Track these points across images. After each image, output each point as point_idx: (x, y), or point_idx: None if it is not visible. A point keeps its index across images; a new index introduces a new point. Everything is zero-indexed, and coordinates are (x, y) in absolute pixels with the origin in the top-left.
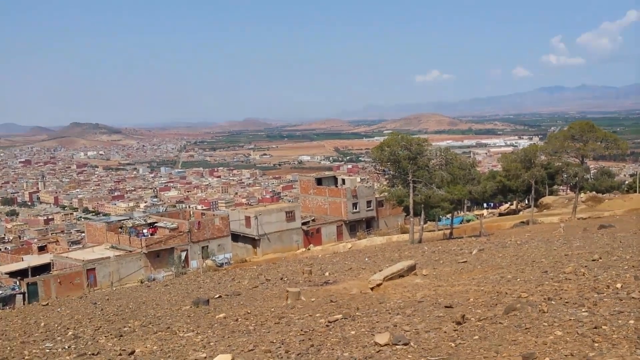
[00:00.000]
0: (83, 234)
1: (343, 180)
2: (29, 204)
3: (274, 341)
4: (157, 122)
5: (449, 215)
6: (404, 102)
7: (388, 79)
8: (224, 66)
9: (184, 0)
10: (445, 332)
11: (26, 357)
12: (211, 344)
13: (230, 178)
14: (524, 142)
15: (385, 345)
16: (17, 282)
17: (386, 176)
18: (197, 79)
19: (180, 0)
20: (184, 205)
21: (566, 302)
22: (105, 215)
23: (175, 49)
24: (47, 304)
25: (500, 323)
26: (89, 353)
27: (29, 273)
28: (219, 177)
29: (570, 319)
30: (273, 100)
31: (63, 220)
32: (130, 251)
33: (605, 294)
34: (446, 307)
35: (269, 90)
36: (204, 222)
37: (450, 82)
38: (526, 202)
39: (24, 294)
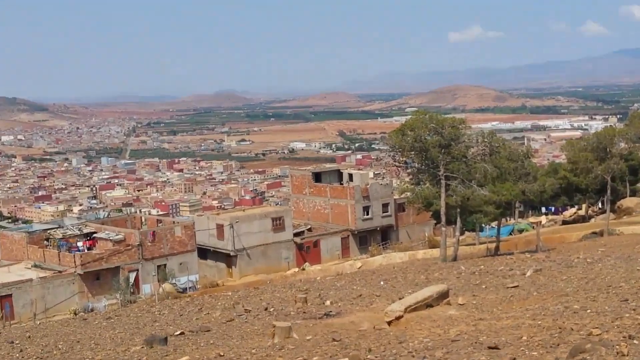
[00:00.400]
0: None
1: (350, 175)
2: None
3: None
4: (97, 96)
5: (494, 224)
6: (433, 70)
7: (412, 38)
8: (188, 23)
9: None
10: None
11: None
12: None
13: (197, 172)
14: (596, 124)
15: None
16: None
17: (409, 170)
18: (152, 39)
19: None
20: (133, 210)
21: None
22: (25, 222)
23: (120, 3)
24: None
25: None
26: None
27: None
28: (181, 170)
29: None
30: (255, 67)
31: None
32: (60, 271)
33: None
34: (490, 348)
35: (249, 54)
36: (160, 233)
37: (496, 43)
38: (599, 205)
39: None
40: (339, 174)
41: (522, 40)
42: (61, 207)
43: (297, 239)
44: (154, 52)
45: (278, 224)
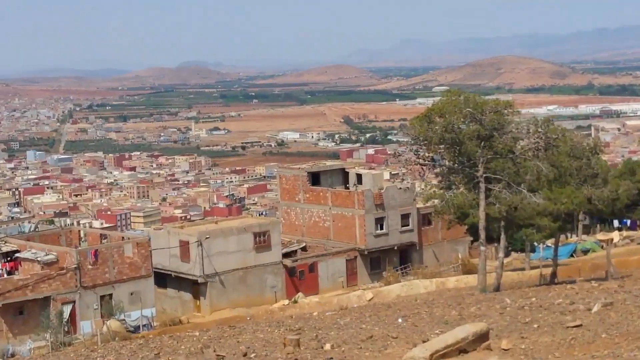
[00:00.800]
0: None
1: (359, 176)
2: None
3: None
4: (21, 69)
5: (550, 242)
6: (469, 36)
7: None
8: None
9: None
10: None
11: None
12: None
13: (155, 172)
14: None
15: None
16: None
17: (437, 170)
18: None
19: None
20: (69, 221)
21: None
22: None
23: None
24: None
25: None
26: None
27: None
28: (134, 169)
29: None
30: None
31: None
32: None
33: None
34: None
35: (223, 15)
36: (105, 252)
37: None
38: None
39: None
40: (343, 175)
41: None
42: None
43: (288, 261)
44: (98, 13)
45: (262, 240)
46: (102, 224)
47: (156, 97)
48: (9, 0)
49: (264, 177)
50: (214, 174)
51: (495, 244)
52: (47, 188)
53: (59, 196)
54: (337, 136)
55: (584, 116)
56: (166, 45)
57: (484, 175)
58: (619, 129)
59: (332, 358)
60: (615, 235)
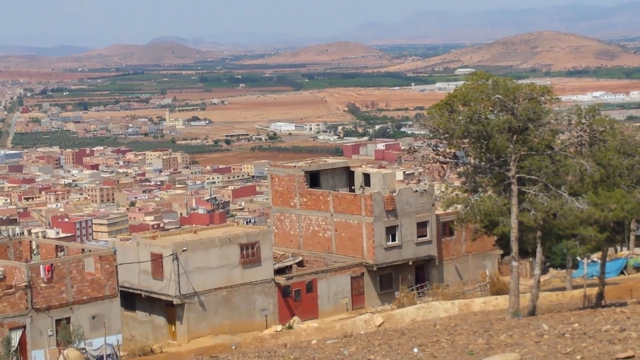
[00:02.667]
0: None
1: (366, 176)
2: None
3: None
4: None
5: (596, 256)
6: (499, 8)
7: None
8: None
9: None
10: None
11: None
12: None
13: (121, 170)
14: None
15: None
16: None
17: (461, 169)
18: None
19: None
20: (18, 230)
21: None
22: None
23: None
24: None
25: None
26: None
27: None
28: (96, 167)
29: None
30: (213, 3)
31: None
32: None
33: None
34: None
35: None
36: (61, 268)
37: None
38: None
39: None
40: (348, 174)
41: None
42: None
43: (281, 279)
44: None
45: (250, 254)
46: (58, 233)
47: (123, 81)
48: None
49: (253, 177)
50: (192, 173)
51: (531, 259)
52: None
53: (6, 199)
54: (340, 128)
55: (637, 104)
56: (135, 19)
57: (517, 175)
58: None
59: None
60: None
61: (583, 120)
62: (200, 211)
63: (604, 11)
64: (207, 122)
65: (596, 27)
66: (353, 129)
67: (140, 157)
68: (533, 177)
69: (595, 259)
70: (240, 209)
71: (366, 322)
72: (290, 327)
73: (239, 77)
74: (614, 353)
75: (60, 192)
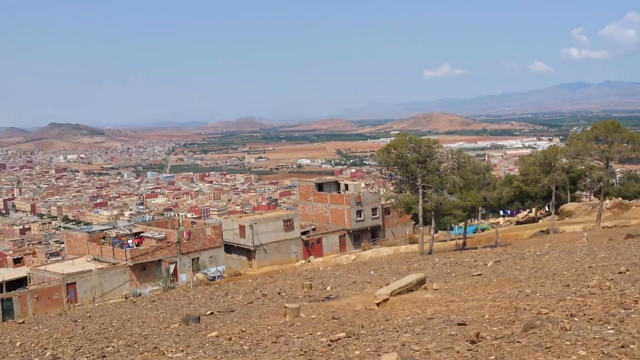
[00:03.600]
0: (62, 245)
1: (346, 185)
2: (4, 212)
3: None
4: (143, 122)
5: (461, 224)
6: (411, 100)
7: (394, 75)
8: (216, 63)
9: None
10: (458, 352)
11: None
12: None
13: (223, 183)
14: (543, 144)
15: None
16: None
17: (393, 181)
18: (188, 76)
19: None
20: (172, 214)
21: (590, 319)
22: (86, 224)
23: (164, 44)
24: (23, 322)
25: (518, 342)
26: None
27: (4, 288)
28: (211, 182)
29: (594, 338)
30: (269, 98)
31: (40, 230)
32: (113, 264)
33: (632, 310)
34: (459, 324)
35: (265, 88)
36: (194, 232)
37: (462, 78)
38: (546, 209)
39: None
40: (337, 185)
41: (483, 76)
42: (115, 212)
43: (304, 237)
44: (188, 87)
45: (288, 225)
46: (192, 215)
47: (224, 139)
48: (137, 80)
49: (289, 186)
50: (259, 185)
51: (429, 226)
52: (159, 194)
53: (166, 199)
54: (332, 161)
55: (481, 148)
56: (230, 107)
57: (421, 184)
58: (502, 156)
59: (331, 295)
60: (501, 220)
61: (454, 156)
62: (263, 203)
63: (465, 102)
64: (266, 159)
65: (461, 109)
66: (339, 162)
67: (233, 177)
68: (429, 185)
69: (461, 226)
70: (283, 202)
71: (347, 258)
72: (308, 261)
73: (282, 136)
74: (471, 273)
75: (193, 195)
